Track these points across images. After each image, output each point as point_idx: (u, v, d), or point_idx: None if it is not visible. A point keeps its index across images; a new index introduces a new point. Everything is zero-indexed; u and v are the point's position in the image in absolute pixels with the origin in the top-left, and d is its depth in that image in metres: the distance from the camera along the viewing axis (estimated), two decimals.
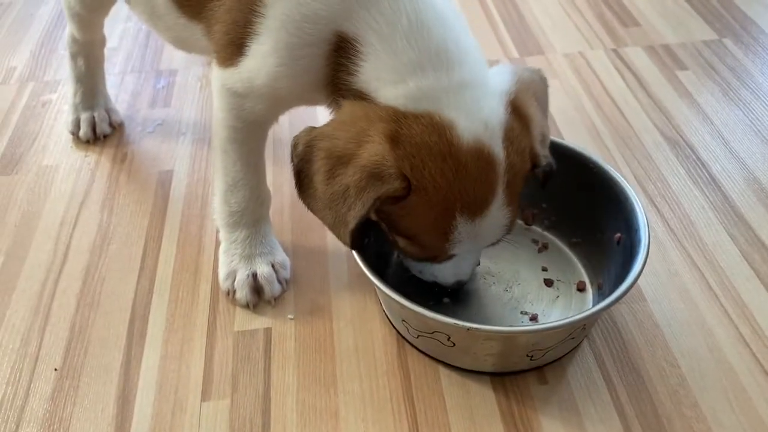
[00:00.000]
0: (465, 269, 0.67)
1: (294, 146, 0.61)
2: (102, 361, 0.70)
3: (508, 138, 0.58)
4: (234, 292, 0.75)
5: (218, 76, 0.66)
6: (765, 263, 0.77)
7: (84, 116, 0.95)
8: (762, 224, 0.82)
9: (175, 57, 1.11)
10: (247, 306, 0.75)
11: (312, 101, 0.70)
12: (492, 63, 1.06)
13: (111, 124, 0.97)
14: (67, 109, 0.98)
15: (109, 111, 0.97)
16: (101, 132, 0.95)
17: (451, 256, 0.64)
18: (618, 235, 0.71)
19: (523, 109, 0.60)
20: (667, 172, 0.89)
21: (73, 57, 0.93)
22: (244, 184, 0.73)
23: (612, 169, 0.74)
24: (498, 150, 0.58)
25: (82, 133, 0.95)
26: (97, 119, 0.95)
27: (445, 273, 0.66)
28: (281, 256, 0.77)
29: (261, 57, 0.61)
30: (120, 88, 1.06)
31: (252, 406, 0.66)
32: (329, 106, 0.64)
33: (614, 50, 1.11)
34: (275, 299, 0.75)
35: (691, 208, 0.84)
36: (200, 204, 0.87)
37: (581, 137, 0.94)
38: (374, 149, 0.55)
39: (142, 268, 0.79)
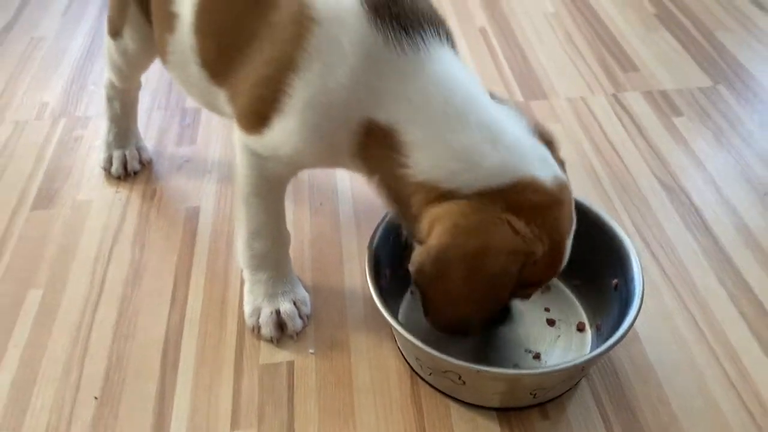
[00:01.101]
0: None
1: (420, 271, 0.64)
2: (138, 390, 0.76)
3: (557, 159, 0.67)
4: (259, 328, 0.80)
5: (241, 138, 0.72)
6: (751, 306, 0.83)
7: (116, 154, 1.01)
8: (749, 269, 0.88)
9: None
10: (271, 341, 0.80)
11: (336, 167, 0.76)
12: None
13: (141, 162, 1.03)
14: (98, 145, 1.04)
15: (139, 149, 1.03)
16: (132, 169, 1.02)
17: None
18: (615, 281, 0.78)
19: (545, 133, 0.68)
20: (662, 217, 0.95)
21: (110, 100, 0.99)
22: (266, 231, 0.79)
23: (611, 219, 0.80)
24: (564, 177, 0.66)
25: (114, 169, 1.01)
26: (128, 157, 1.01)
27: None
28: (302, 294, 0.83)
29: (286, 133, 0.66)
30: (147, 124, 1.12)
31: None
32: (355, 171, 0.70)
33: (614, 95, 1.17)
34: (297, 334, 0.81)
35: (685, 253, 0.90)
36: (225, 240, 0.93)
37: (581, 181, 1.00)
38: (503, 232, 0.61)
39: (173, 302, 0.85)
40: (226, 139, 1.09)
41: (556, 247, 0.64)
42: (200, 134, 1.10)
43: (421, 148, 0.63)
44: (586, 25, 1.36)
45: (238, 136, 0.72)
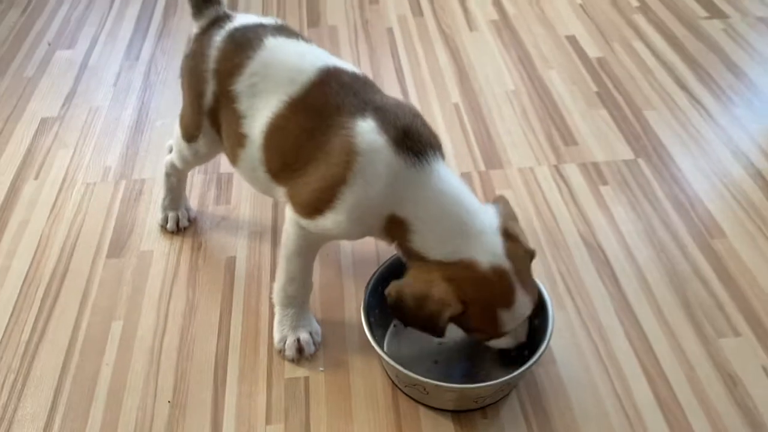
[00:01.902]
0: (521, 336, 1.02)
1: (389, 294, 0.97)
2: (198, 396, 1.07)
3: (509, 253, 0.95)
4: (284, 350, 1.12)
5: (295, 218, 1.02)
6: (639, 341, 1.15)
7: (171, 214, 1.32)
8: (642, 311, 1.19)
9: None
10: (292, 361, 1.12)
11: (362, 237, 1.07)
12: (465, 175, 1.46)
13: (189, 219, 1.34)
14: (153, 206, 1.36)
15: (187, 209, 1.34)
16: (182, 225, 1.33)
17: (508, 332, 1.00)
18: (537, 320, 1.09)
19: (510, 230, 0.97)
20: (582, 269, 1.27)
21: (168, 176, 1.29)
22: (299, 280, 1.10)
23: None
24: (505, 264, 0.95)
25: (169, 226, 1.32)
26: (180, 216, 1.33)
27: (510, 341, 1.02)
28: (316, 326, 1.14)
29: (335, 222, 0.97)
30: (191, 187, 1.43)
31: (298, 429, 1.03)
32: (380, 239, 1.02)
33: (556, 166, 1.49)
34: (311, 356, 1.12)
35: (596, 298, 1.22)
36: (257, 284, 1.24)
37: None
38: (441, 289, 0.93)
39: (220, 332, 1.16)
40: (253, 201, 1.40)
41: (483, 311, 0.95)
42: (233, 196, 1.41)
43: (418, 233, 0.96)
44: (539, 102, 1.68)
45: (292, 216, 1.03)
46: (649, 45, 1.89)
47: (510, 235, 0.97)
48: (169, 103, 1.67)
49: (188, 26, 1.97)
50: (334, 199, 0.96)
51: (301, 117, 1.00)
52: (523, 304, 0.96)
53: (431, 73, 1.78)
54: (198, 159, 1.23)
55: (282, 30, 1.10)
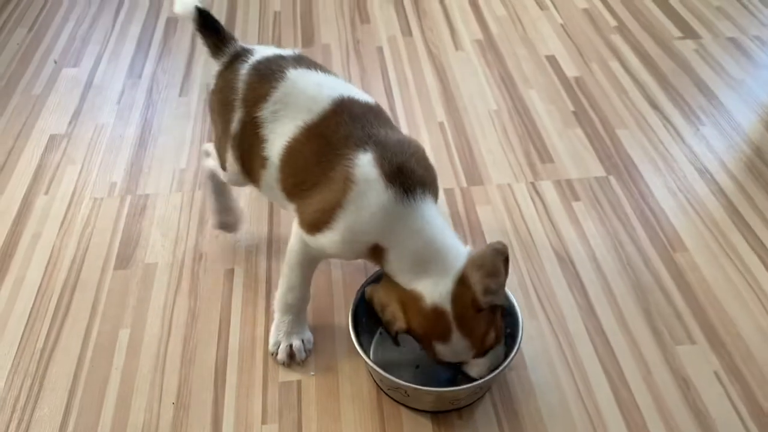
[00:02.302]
0: (481, 372, 1.10)
1: (366, 293, 1.12)
2: (200, 399, 1.17)
3: (455, 298, 1.05)
4: (277, 354, 1.22)
5: (300, 233, 1.13)
6: (602, 346, 1.26)
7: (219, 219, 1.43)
8: (607, 319, 1.30)
9: None
10: (283, 364, 1.22)
11: (356, 259, 1.19)
12: (448, 191, 1.56)
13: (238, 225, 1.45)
14: (157, 221, 1.46)
15: (236, 217, 1.44)
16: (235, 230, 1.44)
17: (464, 363, 1.10)
18: (509, 330, 1.20)
19: (466, 279, 1.06)
20: (553, 280, 1.38)
21: (209, 180, 1.39)
22: (299, 289, 1.21)
23: (508, 290, 1.22)
24: (447, 306, 1.05)
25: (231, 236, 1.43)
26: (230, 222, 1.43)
27: (470, 371, 1.11)
28: (308, 335, 1.25)
29: (331, 241, 1.08)
30: (191, 203, 1.53)
31: (291, 429, 1.13)
32: (368, 261, 1.14)
33: (532, 183, 1.60)
34: (303, 361, 1.23)
35: (565, 307, 1.33)
36: (254, 294, 1.34)
37: None
38: (394, 307, 1.06)
39: (219, 339, 1.27)
40: (250, 217, 1.50)
41: (423, 339, 1.07)
42: None
43: (393, 262, 1.07)
44: (519, 121, 1.79)
45: (298, 230, 1.14)
46: (624, 64, 2.01)
47: (464, 282, 1.05)
48: (171, 121, 1.78)
49: (187, 46, 2.09)
50: (331, 220, 1.07)
51: (314, 143, 1.11)
52: (459, 344, 1.06)
53: (419, 93, 1.89)
54: (235, 183, 1.33)
55: (301, 61, 1.21)
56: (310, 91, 1.15)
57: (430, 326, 1.06)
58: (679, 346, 1.26)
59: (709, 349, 1.26)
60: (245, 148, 1.20)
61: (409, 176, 1.06)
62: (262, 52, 1.23)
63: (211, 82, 1.26)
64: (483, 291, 1.04)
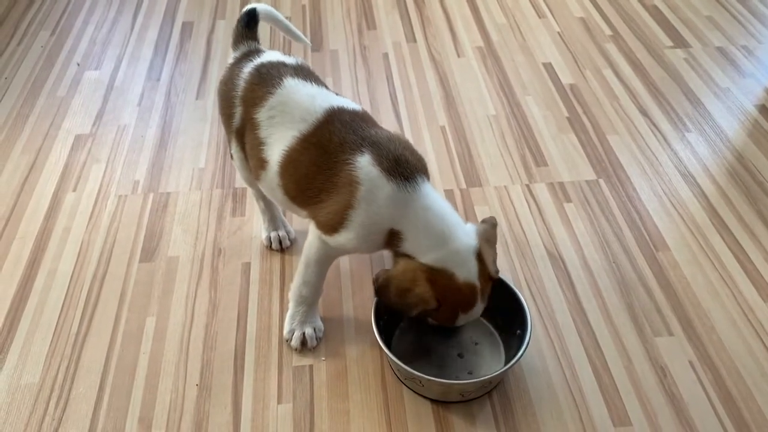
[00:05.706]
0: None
1: (376, 279, 1.21)
2: (221, 381, 1.29)
3: (480, 273, 1.18)
4: (291, 341, 1.34)
5: (317, 233, 1.23)
6: (588, 337, 1.38)
7: (272, 235, 1.52)
8: (594, 314, 1.42)
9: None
10: (296, 350, 1.34)
11: (373, 252, 1.29)
12: (448, 192, 1.67)
13: (290, 240, 1.54)
14: (178, 217, 1.58)
15: (287, 231, 1.54)
16: (285, 246, 1.53)
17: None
18: (519, 331, 1.31)
19: (482, 255, 1.19)
20: (544, 277, 1.49)
21: (256, 199, 1.50)
22: (313, 283, 1.32)
23: (518, 291, 1.32)
24: (476, 281, 1.17)
25: (273, 246, 1.52)
26: (281, 236, 1.52)
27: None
28: (320, 325, 1.36)
29: (347, 238, 1.19)
30: (210, 200, 1.64)
31: (304, 408, 1.25)
32: (386, 251, 1.23)
33: (527, 185, 1.72)
34: (314, 348, 1.35)
35: (555, 302, 1.44)
36: (269, 286, 1.46)
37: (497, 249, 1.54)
38: (423, 287, 1.15)
39: (238, 327, 1.38)
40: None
41: (449, 311, 1.18)
42: (247, 209, 1.63)
43: (409, 241, 1.17)
44: (516, 126, 1.90)
45: (315, 231, 1.24)
46: (617, 72, 2.12)
47: (480, 258, 1.19)
48: (188, 123, 1.89)
49: (203, 51, 2.20)
50: (345, 220, 1.18)
51: (312, 152, 1.22)
52: (478, 310, 1.21)
53: (422, 97, 2.00)
54: (247, 180, 1.44)
55: (300, 71, 1.32)
56: (304, 102, 1.25)
57: (463, 300, 1.18)
58: (658, 338, 1.38)
59: (686, 340, 1.37)
60: (245, 143, 1.32)
61: (405, 166, 1.18)
62: (268, 56, 1.35)
63: (224, 71, 1.39)
64: (492, 263, 1.22)
